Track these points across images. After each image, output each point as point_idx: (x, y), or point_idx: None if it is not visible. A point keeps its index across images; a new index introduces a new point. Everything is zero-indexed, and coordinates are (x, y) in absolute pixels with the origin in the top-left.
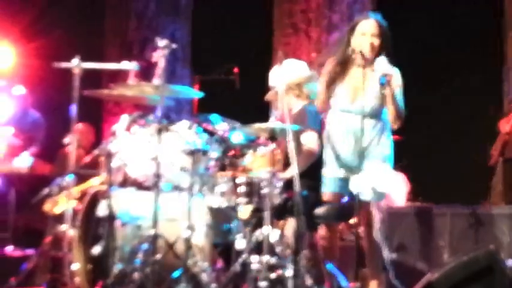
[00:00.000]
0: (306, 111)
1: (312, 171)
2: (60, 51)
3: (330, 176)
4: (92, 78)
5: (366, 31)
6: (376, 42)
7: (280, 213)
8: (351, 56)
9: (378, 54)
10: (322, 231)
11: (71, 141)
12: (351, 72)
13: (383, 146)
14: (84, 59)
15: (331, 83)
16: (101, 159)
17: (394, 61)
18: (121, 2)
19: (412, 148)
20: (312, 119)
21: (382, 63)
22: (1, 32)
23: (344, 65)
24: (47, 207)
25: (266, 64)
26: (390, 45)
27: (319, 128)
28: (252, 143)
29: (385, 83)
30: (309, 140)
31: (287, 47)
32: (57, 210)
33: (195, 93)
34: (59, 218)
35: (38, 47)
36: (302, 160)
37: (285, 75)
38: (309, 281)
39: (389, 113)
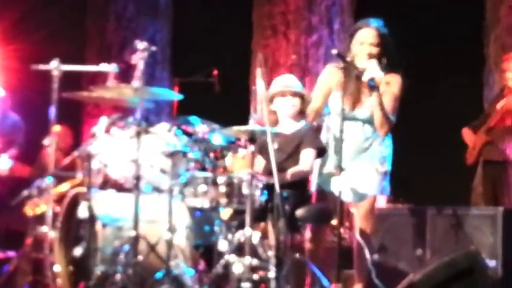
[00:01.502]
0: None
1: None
2: (40, 54)
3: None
4: (72, 81)
5: (364, 40)
6: (375, 51)
7: (262, 215)
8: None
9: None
10: (307, 233)
11: (50, 144)
12: (350, 79)
13: (380, 150)
14: (64, 61)
15: (328, 91)
16: (79, 161)
17: (396, 68)
18: (100, 4)
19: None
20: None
21: (372, 67)
22: None
23: (344, 72)
24: (27, 209)
25: (245, 66)
26: (391, 53)
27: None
28: (232, 145)
29: (373, 86)
30: (307, 159)
31: (266, 49)
32: (37, 212)
33: (175, 96)
34: (40, 220)
35: (17, 49)
36: (294, 175)
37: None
38: (291, 283)
39: (375, 118)
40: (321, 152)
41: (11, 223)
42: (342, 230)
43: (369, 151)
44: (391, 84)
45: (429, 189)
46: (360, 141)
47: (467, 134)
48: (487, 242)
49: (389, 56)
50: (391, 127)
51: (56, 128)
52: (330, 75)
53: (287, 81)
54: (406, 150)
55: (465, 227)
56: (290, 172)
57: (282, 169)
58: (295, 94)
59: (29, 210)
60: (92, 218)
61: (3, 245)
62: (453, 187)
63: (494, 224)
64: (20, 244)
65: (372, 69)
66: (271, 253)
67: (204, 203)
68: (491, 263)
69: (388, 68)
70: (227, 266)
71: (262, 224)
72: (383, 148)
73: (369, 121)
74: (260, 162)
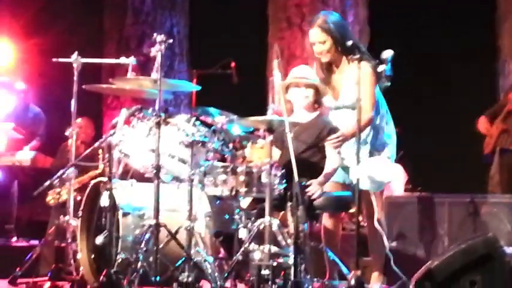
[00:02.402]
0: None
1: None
2: (60, 47)
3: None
4: (92, 73)
5: (312, 41)
6: (325, 47)
7: (281, 203)
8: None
9: (339, 52)
10: (325, 220)
11: (71, 135)
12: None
13: (380, 136)
14: (84, 54)
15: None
16: (100, 152)
17: (360, 52)
18: None
19: (412, 138)
20: None
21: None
22: (1, 28)
23: (327, 67)
24: (50, 198)
25: (262, 58)
26: (345, 40)
27: None
28: (250, 135)
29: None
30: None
31: (282, 41)
32: (59, 202)
33: (193, 87)
34: (62, 209)
35: (38, 43)
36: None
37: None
38: (310, 269)
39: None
40: None
41: (34, 213)
42: (360, 218)
43: (371, 138)
44: (362, 81)
45: (447, 178)
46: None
47: (482, 123)
48: (504, 230)
49: (342, 44)
50: (370, 121)
51: (78, 120)
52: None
53: (302, 72)
54: (423, 139)
55: (482, 214)
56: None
57: (300, 160)
58: (309, 85)
59: (51, 200)
60: (114, 207)
61: (27, 234)
62: (471, 176)
63: (511, 211)
64: (43, 233)
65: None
66: (290, 241)
67: (224, 192)
68: (509, 250)
69: (349, 54)
70: (247, 254)
71: (281, 213)
72: (381, 135)
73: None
74: (276, 152)
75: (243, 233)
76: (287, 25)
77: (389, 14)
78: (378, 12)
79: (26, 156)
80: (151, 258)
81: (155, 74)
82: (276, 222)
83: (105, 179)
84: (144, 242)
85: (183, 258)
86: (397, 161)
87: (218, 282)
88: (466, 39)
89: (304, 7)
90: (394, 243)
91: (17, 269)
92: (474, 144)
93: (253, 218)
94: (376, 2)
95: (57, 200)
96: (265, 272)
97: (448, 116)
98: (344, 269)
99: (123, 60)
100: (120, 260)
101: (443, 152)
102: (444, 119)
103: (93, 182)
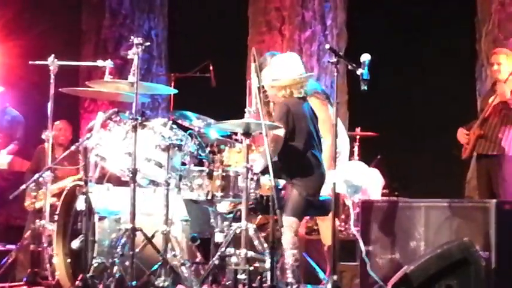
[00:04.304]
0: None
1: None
2: (38, 50)
3: None
4: (69, 76)
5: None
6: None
7: (259, 207)
8: None
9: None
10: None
11: (47, 138)
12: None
13: None
14: (62, 57)
15: None
16: (77, 155)
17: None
18: (95, 0)
19: (389, 143)
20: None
21: None
22: None
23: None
24: (28, 203)
25: (241, 62)
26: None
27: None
28: (228, 139)
29: None
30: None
31: (261, 45)
32: (36, 206)
33: (170, 90)
34: (38, 213)
35: (16, 45)
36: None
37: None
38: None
39: None
40: None
41: (10, 217)
42: (337, 223)
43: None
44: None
45: (423, 183)
46: None
47: (460, 133)
48: (480, 234)
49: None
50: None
51: (57, 123)
52: None
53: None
54: (400, 144)
55: (459, 219)
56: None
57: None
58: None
59: (30, 204)
60: (90, 211)
61: (3, 238)
62: (447, 180)
63: (488, 216)
64: (19, 238)
65: None
66: (266, 245)
67: (200, 196)
68: (485, 254)
69: None
70: (224, 258)
71: (258, 217)
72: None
73: None
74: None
75: (219, 237)
76: (267, 29)
77: (367, 17)
78: (356, 15)
79: (2, 160)
80: (127, 263)
81: (132, 77)
82: (252, 227)
83: (81, 183)
84: (120, 246)
85: (160, 263)
86: (375, 165)
87: (194, 287)
88: (445, 42)
89: (284, 10)
90: (370, 248)
91: None
92: (451, 148)
93: (229, 222)
94: (354, 5)
95: (35, 204)
96: (241, 276)
97: (426, 120)
98: (321, 274)
99: (100, 63)
100: (96, 264)
101: (420, 156)
102: (422, 123)
103: (69, 185)
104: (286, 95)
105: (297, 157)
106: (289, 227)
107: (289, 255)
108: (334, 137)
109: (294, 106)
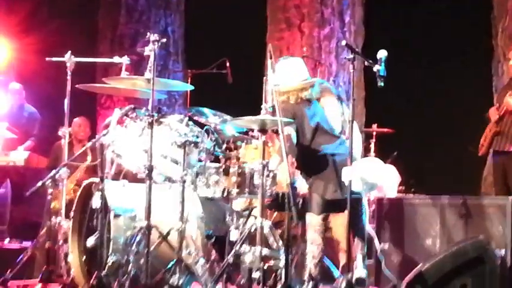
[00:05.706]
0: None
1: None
2: (55, 46)
3: None
4: (86, 73)
5: None
6: None
7: (275, 204)
8: None
9: None
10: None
11: (64, 135)
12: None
13: None
14: (78, 53)
15: None
16: (92, 151)
17: None
18: None
19: (405, 140)
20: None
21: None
22: None
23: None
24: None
25: (259, 58)
26: None
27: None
28: (244, 136)
29: None
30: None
31: (280, 42)
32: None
33: (187, 87)
34: (54, 211)
35: (33, 42)
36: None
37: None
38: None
39: None
40: None
41: (27, 214)
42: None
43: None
44: None
45: (440, 179)
46: None
47: (492, 111)
48: (496, 232)
49: None
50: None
51: (75, 119)
52: None
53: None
54: (417, 141)
55: (475, 216)
56: None
57: None
58: None
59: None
60: (105, 208)
61: (20, 236)
62: (464, 177)
63: (503, 213)
64: (36, 235)
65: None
66: (281, 242)
67: (216, 192)
68: (500, 252)
69: None
70: (238, 256)
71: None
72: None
73: None
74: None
75: (234, 235)
76: (286, 26)
77: (385, 14)
78: (374, 12)
79: (20, 156)
80: (142, 260)
81: (148, 74)
82: (267, 224)
83: (97, 179)
84: (135, 243)
85: (174, 260)
86: (391, 161)
87: (209, 285)
88: (462, 39)
89: (303, 8)
90: (385, 245)
91: (8, 271)
92: (468, 145)
93: (245, 220)
94: (372, 2)
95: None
96: (256, 274)
97: (443, 117)
98: (334, 271)
99: (116, 59)
100: (111, 262)
101: (436, 153)
102: (438, 119)
103: (85, 182)
104: (285, 100)
105: (303, 157)
106: (309, 224)
107: (309, 251)
108: (351, 134)
109: (290, 110)
